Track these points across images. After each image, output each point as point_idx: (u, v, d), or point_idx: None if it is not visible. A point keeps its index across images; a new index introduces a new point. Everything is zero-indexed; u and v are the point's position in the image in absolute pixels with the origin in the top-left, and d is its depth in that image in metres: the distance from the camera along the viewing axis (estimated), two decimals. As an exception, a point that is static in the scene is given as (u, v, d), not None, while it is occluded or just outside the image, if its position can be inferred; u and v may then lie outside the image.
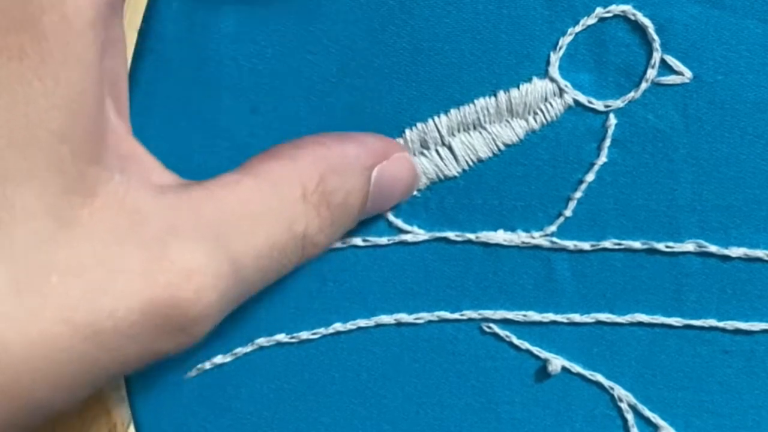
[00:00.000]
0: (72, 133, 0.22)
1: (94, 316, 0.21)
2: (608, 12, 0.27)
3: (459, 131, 0.28)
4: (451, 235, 0.29)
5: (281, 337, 0.29)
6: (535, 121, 0.28)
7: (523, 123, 0.28)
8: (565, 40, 0.28)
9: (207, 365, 0.30)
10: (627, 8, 0.27)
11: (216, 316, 0.24)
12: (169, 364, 0.30)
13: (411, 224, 0.29)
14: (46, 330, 0.21)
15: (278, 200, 0.25)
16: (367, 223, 0.29)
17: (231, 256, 0.24)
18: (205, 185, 0.25)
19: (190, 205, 0.24)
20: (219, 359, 0.30)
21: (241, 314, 0.29)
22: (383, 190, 0.27)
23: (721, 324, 0.28)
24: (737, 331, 0.28)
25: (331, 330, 0.29)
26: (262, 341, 0.29)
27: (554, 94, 0.28)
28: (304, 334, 0.29)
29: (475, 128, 0.28)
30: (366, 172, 0.27)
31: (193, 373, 0.30)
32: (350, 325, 0.29)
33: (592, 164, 0.28)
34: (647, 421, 0.29)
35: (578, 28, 0.27)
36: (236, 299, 0.25)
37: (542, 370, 0.29)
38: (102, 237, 0.22)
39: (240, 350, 0.30)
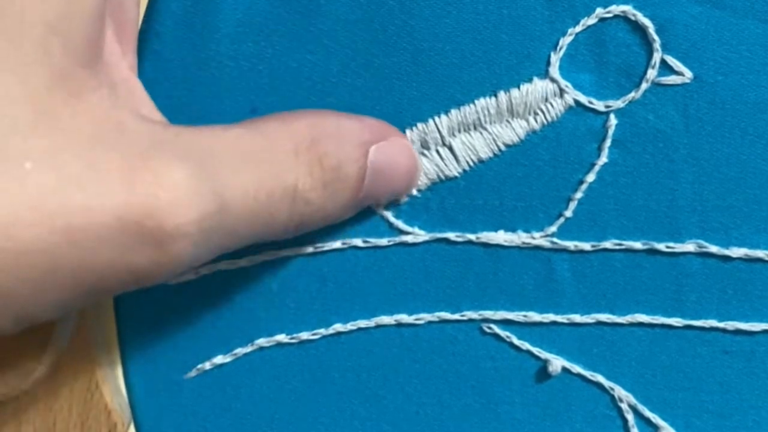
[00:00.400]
0: (66, 28, 0.21)
1: (66, 209, 0.21)
2: (608, 12, 0.27)
3: (460, 131, 0.28)
4: (451, 235, 0.29)
5: (281, 337, 0.29)
6: (536, 121, 0.28)
7: (523, 123, 0.28)
8: (565, 41, 0.27)
9: (207, 365, 0.30)
10: (627, 8, 0.27)
11: (195, 239, 0.23)
12: (169, 364, 0.30)
13: (412, 225, 0.29)
14: (13, 213, 0.20)
15: (268, 150, 0.25)
16: (367, 224, 0.29)
17: (215, 184, 0.23)
18: (194, 126, 0.24)
19: (176, 135, 0.24)
20: (219, 359, 0.30)
21: (241, 314, 0.29)
22: (381, 170, 0.27)
23: (721, 324, 0.28)
24: (738, 332, 0.28)
25: (331, 330, 0.29)
26: (262, 342, 0.29)
27: (555, 95, 0.28)
28: (305, 335, 0.29)
29: (475, 128, 0.28)
30: (362, 146, 0.26)
31: (193, 373, 0.30)
32: (350, 326, 0.29)
33: (593, 165, 0.28)
34: (647, 421, 0.29)
35: (579, 29, 0.27)
36: (220, 233, 0.24)
37: (542, 370, 0.29)
38: (82, 137, 0.22)
39: (240, 350, 0.30)
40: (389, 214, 0.29)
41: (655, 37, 0.27)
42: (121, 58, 0.25)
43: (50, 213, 0.21)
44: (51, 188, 0.21)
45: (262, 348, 0.30)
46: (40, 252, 0.21)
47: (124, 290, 0.23)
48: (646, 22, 0.27)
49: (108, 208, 0.21)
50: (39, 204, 0.21)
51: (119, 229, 0.21)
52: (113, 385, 0.29)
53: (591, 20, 0.27)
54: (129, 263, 0.22)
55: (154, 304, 0.29)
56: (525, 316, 0.29)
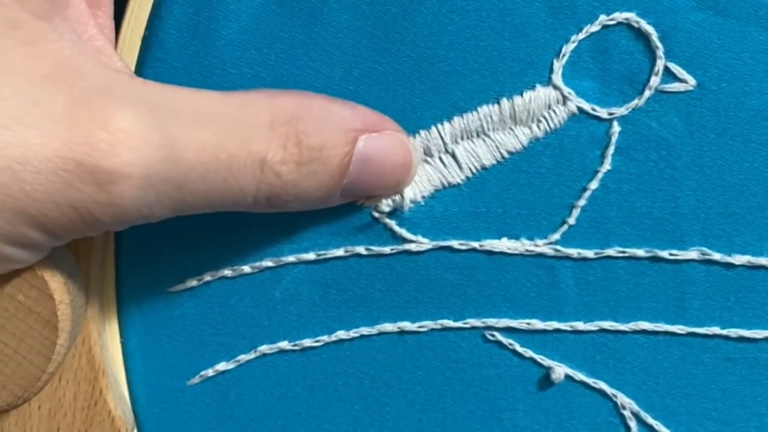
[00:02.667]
0: None
1: (5, 141, 0.22)
2: (612, 19, 0.27)
3: (462, 139, 0.28)
4: (454, 243, 0.29)
5: (284, 344, 0.29)
6: (539, 128, 0.28)
7: (526, 130, 0.28)
8: (568, 48, 0.27)
9: (210, 372, 0.30)
10: (630, 16, 0.27)
11: (138, 183, 0.23)
12: (173, 371, 0.30)
13: (415, 233, 0.29)
14: None
15: (241, 117, 0.25)
16: (370, 232, 0.29)
17: (166, 134, 0.23)
18: (169, 85, 0.25)
19: (140, 85, 0.24)
20: (222, 366, 0.30)
21: (244, 321, 0.29)
22: (370, 160, 0.26)
23: (724, 331, 0.28)
24: (741, 339, 0.28)
25: (333, 338, 0.29)
26: (264, 348, 0.29)
27: (557, 102, 0.28)
28: (307, 342, 0.29)
29: (478, 136, 0.28)
30: (350, 132, 0.26)
31: (196, 380, 0.30)
32: (353, 333, 0.29)
33: (596, 172, 0.28)
34: (650, 428, 0.29)
35: (581, 36, 0.27)
36: (169, 183, 0.24)
37: (545, 378, 0.29)
38: (31, 78, 0.23)
39: (243, 357, 0.30)
40: (392, 223, 0.29)
41: (659, 44, 0.27)
42: (89, 18, 0.26)
43: None
44: None
45: (264, 355, 0.30)
46: None
47: (78, 231, 0.24)
48: (650, 29, 0.27)
49: (46, 144, 0.22)
50: None
51: (59, 165, 0.22)
52: (117, 392, 0.29)
53: (594, 27, 0.27)
54: (71, 200, 0.23)
55: (158, 311, 0.29)
56: (528, 323, 0.29)
